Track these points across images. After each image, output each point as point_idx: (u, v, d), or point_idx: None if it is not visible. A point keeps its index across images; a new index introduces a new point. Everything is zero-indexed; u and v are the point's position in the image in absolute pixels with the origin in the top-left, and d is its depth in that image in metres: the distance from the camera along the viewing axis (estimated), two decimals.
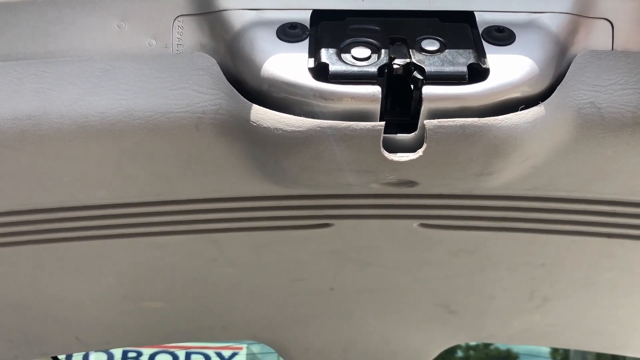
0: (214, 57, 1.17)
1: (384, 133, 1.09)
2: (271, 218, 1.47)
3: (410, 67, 1.10)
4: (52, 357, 2.61)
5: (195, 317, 2.07)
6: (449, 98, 1.09)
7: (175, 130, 1.15)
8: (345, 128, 1.09)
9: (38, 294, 1.79)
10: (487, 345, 17.78)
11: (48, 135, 1.15)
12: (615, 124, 1.13)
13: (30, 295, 1.79)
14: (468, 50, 1.12)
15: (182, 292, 1.86)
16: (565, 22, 1.17)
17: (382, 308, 2.04)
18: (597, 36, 1.18)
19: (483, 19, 1.17)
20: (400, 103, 1.13)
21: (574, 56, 1.15)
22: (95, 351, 10.72)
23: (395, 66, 1.10)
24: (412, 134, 1.12)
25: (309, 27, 1.16)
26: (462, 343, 3.77)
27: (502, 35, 1.15)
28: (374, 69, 1.09)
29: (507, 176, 1.21)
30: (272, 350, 2.35)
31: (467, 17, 1.17)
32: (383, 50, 1.12)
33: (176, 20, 1.21)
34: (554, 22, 1.16)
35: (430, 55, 1.11)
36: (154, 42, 1.21)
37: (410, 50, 1.12)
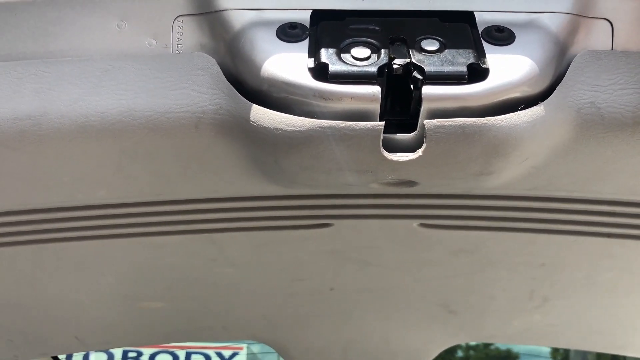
0: (213, 57, 1.17)
1: (384, 133, 1.09)
2: (271, 218, 1.47)
3: (410, 67, 1.10)
4: (52, 357, 2.61)
5: (195, 317, 2.07)
6: (448, 98, 1.09)
7: (175, 130, 1.15)
8: (345, 128, 1.09)
9: (38, 293, 1.79)
10: (487, 345, 17.78)
11: (48, 135, 1.15)
12: (615, 123, 1.13)
13: (30, 295, 1.79)
14: (468, 50, 1.12)
15: (182, 292, 1.86)
16: (565, 22, 1.17)
17: (382, 308, 2.04)
18: (597, 36, 1.18)
19: (483, 19, 1.17)
20: (400, 103, 1.13)
21: (574, 56, 1.15)
22: (95, 351, 10.72)
23: (395, 66, 1.10)
24: (412, 134, 1.12)
25: (308, 27, 1.16)
26: (462, 343, 3.77)
27: (502, 35, 1.15)
28: (373, 69, 1.10)
29: (507, 176, 1.21)
30: (273, 350, 2.35)
31: (467, 17, 1.17)
32: (383, 50, 1.12)
33: (176, 20, 1.21)
34: (553, 22, 1.16)
35: (430, 55, 1.11)
36: (154, 42, 1.21)
37: (410, 50, 1.12)
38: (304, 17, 1.17)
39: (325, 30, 1.15)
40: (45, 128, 1.15)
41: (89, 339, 2.14)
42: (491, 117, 1.09)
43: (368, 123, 1.09)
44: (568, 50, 1.17)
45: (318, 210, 1.44)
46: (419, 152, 1.11)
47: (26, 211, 1.38)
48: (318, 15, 1.18)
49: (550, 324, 2.10)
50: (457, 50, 1.11)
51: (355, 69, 1.10)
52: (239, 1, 1.19)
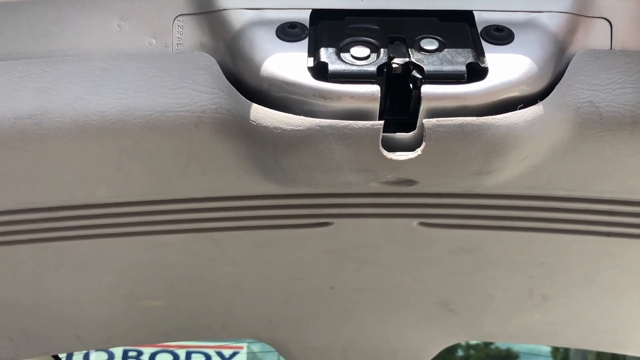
0: (213, 57, 1.17)
1: (383, 132, 1.10)
2: (271, 217, 1.47)
3: (409, 66, 1.11)
4: (53, 356, 2.61)
5: (196, 316, 2.07)
6: (447, 97, 1.10)
7: (175, 129, 1.16)
8: (345, 127, 1.09)
9: (38, 292, 1.79)
10: (487, 345, 17.79)
11: (48, 134, 1.16)
12: (614, 122, 1.13)
13: (31, 294, 1.80)
14: (467, 49, 1.12)
15: (182, 290, 1.86)
16: (564, 21, 1.17)
17: (381, 307, 2.04)
18: (596, 35, 1.18)
19: (482, 18, 1.17)
20: (399, 102, 1.13)
21: (573, 55, 1.15)
22: (96, 350, 10.72)
23: (394, 65, 1.11)
24: (411, 133, 1.13)
25: (308, 26, 1.17)
26: (462, 342, 3.77)
27: (501, 35, 1.15)
28: (373, 68, 1.10)
29: (506, 175, 1.21)
30: (273, 349, 2.35)
31: (466, 17, 1.18)
32: (382, 50, 1.12)
33: (176, 20, 1.21)
34: (552, 22, 1.16)
35: (429, 55, 1.12)
36: (154, 42, 1.22)
37: (410, 50, 1.12)
38: (304, 16, 1.18)
39: (325, 29, 1.15)
40: (46, 127, 1.15)
41: (89, 337, 2.15)
42: (490, 116, 1.09)
43: (367, 122, 1.09)
44: (567, 50, 1.17)
45: (318, 209, 1.45)
46: (418, 151, 1.11)
47: (27, 210, 1.38)
48: (317, 15, 1.18)
49: (550, 322, 2.10)
50: (456, 49, 1.12)
51: (354, 68, 1.10)
52: (239, 0, 1.19)
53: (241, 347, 14.39)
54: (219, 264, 1.71)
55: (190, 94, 1.15)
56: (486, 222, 1.49)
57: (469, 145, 1.11)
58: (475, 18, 1.17)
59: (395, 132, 1.13)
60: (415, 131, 1.12)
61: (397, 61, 1.11)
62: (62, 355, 2.89)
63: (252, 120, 1.13)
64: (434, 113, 1.10)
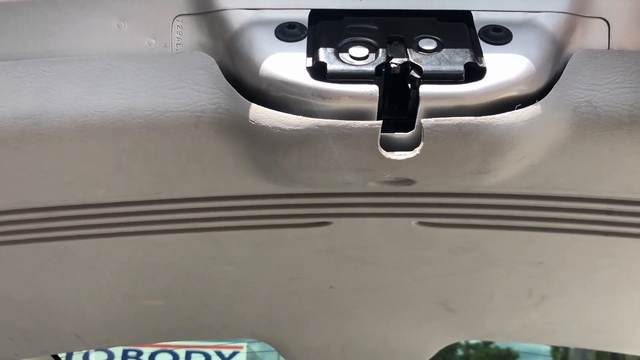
0: (213, 57, 1.17)
1: (382, 132, 1.10)
2: (270, 216, 1.47)
3: (407, 66, 1.11)
4: (53, 356, 2.61)
5: (195, 315, 2.07)
6: (445, 97, 1.10)
7: (175, 129, 1.16)
8: (343, 127, 1.10)
9: (38, 292, 1.79)
10: (487, 344, 17.79)
11: (48, 134, 1.16)
12: (612, 122, 1.13)
13: (31, 294, 1.80)
14: (465, 49, 1.12)
15: (182, 290, 1.87)
16: (561, 21, 1.17)
17: (381, 306, 2.05)
18: (594, 35, 1.19)
19: (480, 18, 1.17)
20: (398, 102, 1.13)
21: (571, 55, 1.16)
22: (96, 350, 10.72)
23: (392, 65, 1.11)
24: (409, 133, 1.13)
25: (307, 26, 1.17)
26: (462, 341, 3.78)
27: (499, 35, 1.15)
28: (371, 68, 1.10)
29: (504, 174, 1.21)
30: (272, 349, 2.35)
31: (464, 17, 1.18)
32: (381, 50, 1.12)
33: (175, 20, 1.22)
34: (550, 22, 1.17)
35: (427, 55, 1.12)
36: (154, 42, 1.22)
37: (408, 50, 1.12)
38: (303, 16, 1.18)
39: (324, 29, 1.16)
40: (45, 127, 1.15)
41: (89, 337, 2.15)
42: (488, 116, 1.10)
43: (366, 122, 1.09)
44: (565, 50, 1.17)
45: (317, 209, 1.45)
46: (417, 150, 1.11)
47: (26, 210, 1.38)
48: (316, 15, 1.18)
49: (549, 322, 2.10)
50: (454, 49, 1.12)
51: (353, 68, 1.10)
52: (238, 1, 1.19)
53: (241, 347, 14.39)
54: (219, 264, 1.71)
55: (190, 94, 1.15)
56: (485, 221, 1.49)
57: (467, 145, 1.11)
58: (474, 18, 1.18)
59: (394, 132, 1.13)
60: (413, 131, 1.13)
61: (396, 61, 1.11)
62: (62, 355, 2.89)
63: (251, 120, 1.13)
64: (432, 113, 1.10)
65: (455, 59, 1.11)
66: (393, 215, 1.47)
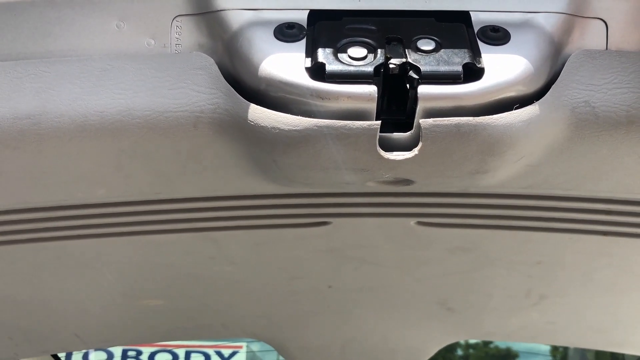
0: (212, 57, 1.18)
1: (380, 132, 1.10)
2: (269, 216, 1.48)
3: (406, 66, 1.11)
4: (52, 355, 2.62)
5: (195, 315, 2.07)
6: (444, 97, 1.10)
7: (174, 129, 1.16)
8: (342, 127, 1.10)
9: (38, 292, 1.79)
10: (486, 344, 17.80)
11: (47, 134, 1.16)
12: (610, 122, 1.14)
13: (30, 293, 1.80)
14: (463, 49, 1.12)
15: (181, 290, 1.87)
16: (559, 21, 1.17)
17: (380, 306, 2.05)
18: (592, 36, 1.19)
19: (478, 19, 1.18)
20: (396, 102, 1.13)
21: (569, 56, 1.16)
22: (95, 350, 10.72)
23: (391, 66, 1.11)
24: (408, 133, 1.13)
25: (306, 27, 1.17)
26: (461, 340, 3.78)
27: (497, 35, 1.16)
28: (370, 69, 1.10)
29: (503, 174, 1.22)
30: (272, 349, 2.35)
31: (463, 17, 1.18)
32: (379, 50, 1.12)
33: (174, 20, 1.22)
34: (548, 22, 1.17)
35: (425, 55, 1.12)
36: (153, 42, 1.22)
37: (406, 50, 1.13)
38: (302, 17, 1.18)
39: (322, 30, 1.16)
40: (45, 127, 1.16)
41: (88, 336, 2.15)
42: (486, 116, 1.10)
43: (365, 122, 1.09)
44: (563, 50, 1.17)
45: (316, 209, 1.45)
46: (415, 150, 1.12)
47: (26, 210, 1.38)
48: (315, 15, 1.18)
49: (548, 321, 2.10)
50: (452, 49, 1.12)
51: (351, 68, 1.11)
52: (237, 1, 1.19)
53: (240, 347, 14.38)
54: (218, 264, 1.71)
55: (189, 94, 1.15)
56: (483, 221, 1.49)
57: (465, 145, 1.11)
58: (472, 18, 1.18)
59: (392, 132, 1.13)
60: (412, 131, 1.13)
61: (394, 61, 1.11)
62: (62, 355, 2.89)
63: (250, 120, 1.13)
64: (430, 113, 1.10)
65: (454, 60, 1.11)
66: (392, 215, 1.48)
